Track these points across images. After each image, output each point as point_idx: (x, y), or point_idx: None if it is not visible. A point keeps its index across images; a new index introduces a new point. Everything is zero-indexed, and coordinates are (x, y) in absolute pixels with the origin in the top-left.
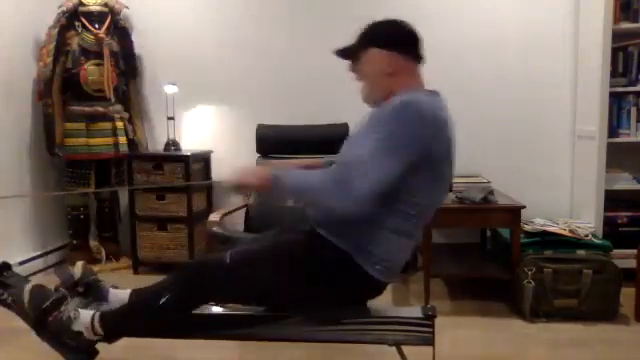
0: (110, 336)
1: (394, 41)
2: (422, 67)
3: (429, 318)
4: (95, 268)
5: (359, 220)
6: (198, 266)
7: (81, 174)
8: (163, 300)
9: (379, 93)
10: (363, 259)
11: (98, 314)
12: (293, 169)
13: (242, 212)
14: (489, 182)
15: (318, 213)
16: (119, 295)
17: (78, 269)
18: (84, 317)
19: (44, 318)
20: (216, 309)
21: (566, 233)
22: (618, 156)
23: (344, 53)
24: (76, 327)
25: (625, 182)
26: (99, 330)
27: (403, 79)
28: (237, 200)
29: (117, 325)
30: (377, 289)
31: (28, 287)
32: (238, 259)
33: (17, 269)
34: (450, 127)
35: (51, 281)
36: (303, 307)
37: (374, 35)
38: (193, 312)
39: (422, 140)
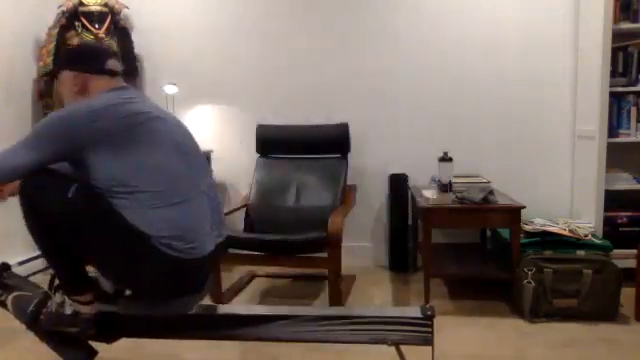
0: (73, 282)
1: (77, 63)
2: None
3: (428, 318)
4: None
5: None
6: (40, 188)
7: None
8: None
9: None
10: (152, 238)
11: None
12: None
13: (242, 212)
14: (489, 182)
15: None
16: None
17: None
18: (67, 300)
19: (36, 320)
20: (218, 309)
21: (566, 233)
22: (618, 156)
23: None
24: (68, 310)
25: (625, 182)
26: (71, 296)
27: (89, 94)
28: (238, 200)
29: (55, 273)
30: (185, 268)
31: (10, 299)
32: (80, 201)
33: (17, 269)
34: (125, 108)
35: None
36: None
37: (63, 60)
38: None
39: (72, 133)
